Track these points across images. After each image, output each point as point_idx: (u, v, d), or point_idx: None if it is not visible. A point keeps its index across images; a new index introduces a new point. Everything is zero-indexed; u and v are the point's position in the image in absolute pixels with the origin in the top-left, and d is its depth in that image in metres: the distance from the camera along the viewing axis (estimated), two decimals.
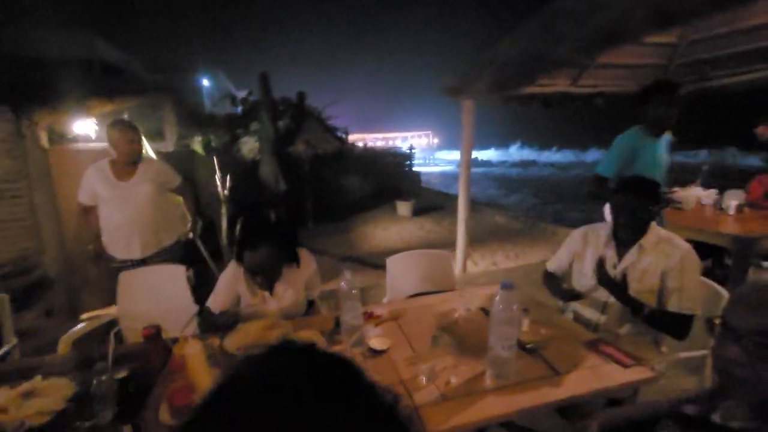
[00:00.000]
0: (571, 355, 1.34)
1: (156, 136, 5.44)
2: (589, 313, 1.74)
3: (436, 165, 39.11)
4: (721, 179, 4.68)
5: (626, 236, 1.62)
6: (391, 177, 11.54)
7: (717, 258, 3.52)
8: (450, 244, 6.24)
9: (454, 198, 12.24)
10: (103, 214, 2.35)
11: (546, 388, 1.20)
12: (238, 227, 4.17)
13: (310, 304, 1.92)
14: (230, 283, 1.73)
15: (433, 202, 10.95)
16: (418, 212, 8.67)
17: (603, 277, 1.57)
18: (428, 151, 44.83)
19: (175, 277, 2.16)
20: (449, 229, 7.27)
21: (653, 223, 1.61)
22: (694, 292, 1.54)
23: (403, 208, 8.53)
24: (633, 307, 1.53)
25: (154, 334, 1.36)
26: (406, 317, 1.67)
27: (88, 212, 2.40)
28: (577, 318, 1.79)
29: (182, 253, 2.65)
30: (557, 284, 1.80)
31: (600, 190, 2.31)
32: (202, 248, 3.87)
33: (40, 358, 1.49)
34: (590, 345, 1.39)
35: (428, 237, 6.72)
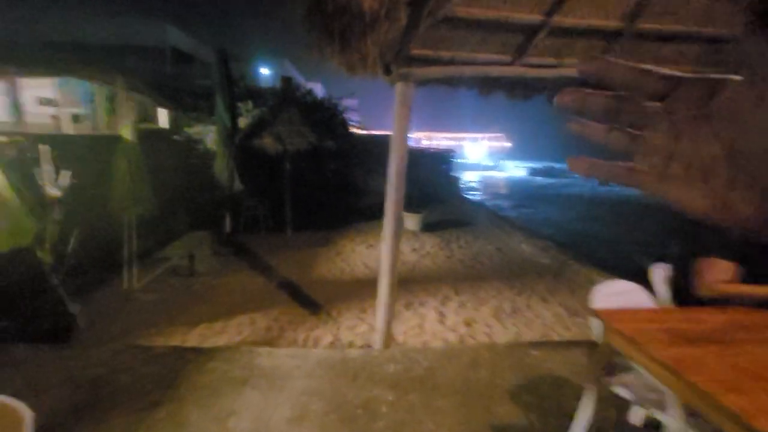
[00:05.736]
0: None
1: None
2: None
3: (504, 170, 36.12)
4: None
5: None
6: (419, 182, 10.04)
7: None
8: (438, 278, 4.71)
9: (487, 211, 10.35)
10: None
11: None
12: (72, 240, 3.26)
13: None
14: None
15: (459, 215, 9.18)
16: (429, 227, 7.10)
17: None
18: (500, 155, 41.63)
19: None
20: (455, 253, 5.66)
21: None
22: None
23: (410, 220, 6.98)
24: None
25: None
26: None
27: None
28: None
29: None
30: None
31: None
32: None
33: None
34: None
35: (418, 263, 5.20)
